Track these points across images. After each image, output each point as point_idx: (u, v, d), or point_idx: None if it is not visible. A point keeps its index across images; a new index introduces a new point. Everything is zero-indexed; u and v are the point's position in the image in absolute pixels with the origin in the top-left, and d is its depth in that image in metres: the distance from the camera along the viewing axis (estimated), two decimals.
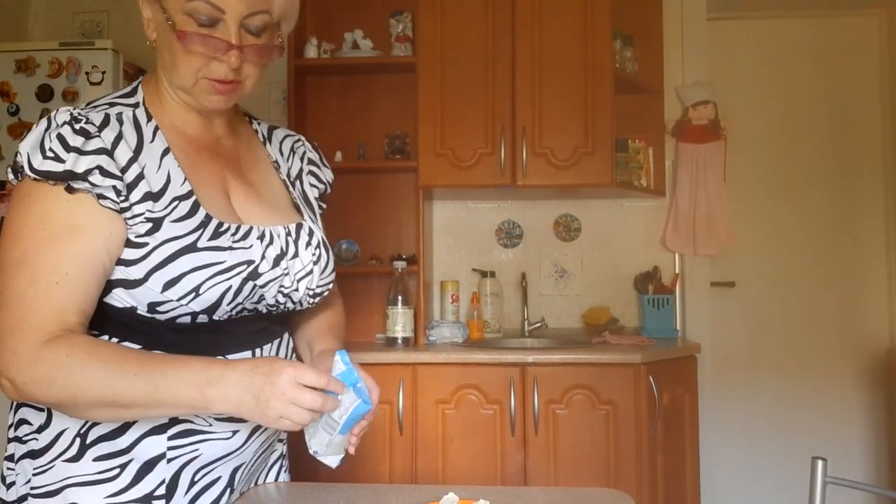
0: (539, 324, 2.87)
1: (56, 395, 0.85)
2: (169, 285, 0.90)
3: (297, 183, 1.15)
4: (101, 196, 0.88)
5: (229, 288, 0.93)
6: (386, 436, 2.29)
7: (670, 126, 2.96)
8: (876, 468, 3.20)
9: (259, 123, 1.16)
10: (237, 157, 1.07)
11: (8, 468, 0.98)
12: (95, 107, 0.95)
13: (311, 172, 1.18)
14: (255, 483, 1.15)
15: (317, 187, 1.18)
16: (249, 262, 0.96)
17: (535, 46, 2.55)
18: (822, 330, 3.23)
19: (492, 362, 2.30)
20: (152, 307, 0.91)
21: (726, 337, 3.19)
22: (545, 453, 2.26)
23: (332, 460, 0.96)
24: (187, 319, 0.93)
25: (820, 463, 1.23)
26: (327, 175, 1.22)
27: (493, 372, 2.29)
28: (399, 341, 2.42)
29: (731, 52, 3.27)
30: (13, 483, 0.97)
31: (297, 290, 1.03)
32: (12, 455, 0.98)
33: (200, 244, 0.92)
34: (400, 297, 2.44)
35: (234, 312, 0.96)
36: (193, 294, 0.91)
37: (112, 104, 0.96)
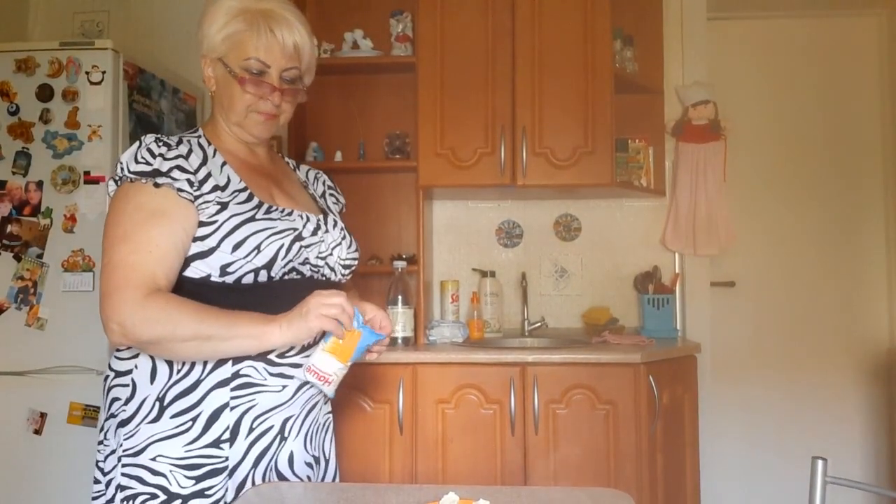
0: (539, 324, 2.86)
1: (158, 331, 1.11)
2: (237, 247, 1.19)
3: (322, 199, 1.50)
4: (179, 189, 1.18)
5: (282, 245, 1.23)
6: (386, 436, 2.29)
7: (670, 126, 2.96)
8: (876, 468, 3.20)
9: (288, 159, 1.54)
10: (277, 176, 1.40)
11: (104, 443, 1.23)
12: (171, 136, 1.27)
13: (331, 194, 1.55)
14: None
15: (336, 205, 1.54)
16: (294, 229, 1.27)
17: (535, 46, 2.55)
18: (822, 330, 3.23)
19: (492, 362, 2.30)
20: (223, 269, 1.20)
21: (726, 337, 3.20)
22: (545, 453, 2.26)
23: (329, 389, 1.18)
24: (251, 278, 1.21)
25: (820, 463, 1.24)
26: (342, 198, 1.59)
27: (493, 372, 2.29)
28: (399, 341, 2.42)
29: (731, 52, 3.27)
30: (109, 454, 1.21)
31: (331, 254, 1.34)
32: (107, 431, 1.23)
33: (258, 216, 1.23)
34: (400, 297, 2.43)
35: (286, 269, 1.25)
36: (256, 251, 1.20)
37: (182, 135, 1.30)
